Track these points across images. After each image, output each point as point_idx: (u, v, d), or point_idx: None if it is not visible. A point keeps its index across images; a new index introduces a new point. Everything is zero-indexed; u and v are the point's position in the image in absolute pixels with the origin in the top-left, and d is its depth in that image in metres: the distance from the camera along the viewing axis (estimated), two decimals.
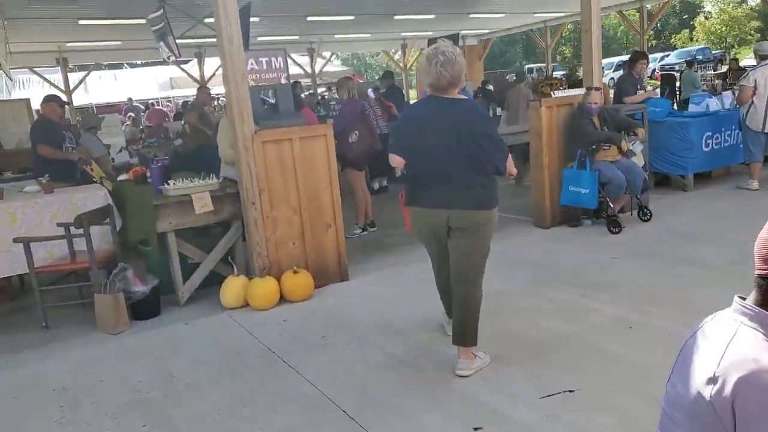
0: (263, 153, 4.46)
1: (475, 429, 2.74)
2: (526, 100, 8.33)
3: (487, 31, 20.62)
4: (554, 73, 23.29)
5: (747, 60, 26.75)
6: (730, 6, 57.77)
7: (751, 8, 59.33)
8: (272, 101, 5.24)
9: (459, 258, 3.20)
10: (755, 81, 6.73)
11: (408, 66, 22.15)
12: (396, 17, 15.09)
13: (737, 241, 4.99)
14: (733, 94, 7.92)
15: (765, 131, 6.79)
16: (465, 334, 3.21)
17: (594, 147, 5.75)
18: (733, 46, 51.53)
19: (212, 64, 16.71)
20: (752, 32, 54.69)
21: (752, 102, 6.77)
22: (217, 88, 15.61)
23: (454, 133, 3.03)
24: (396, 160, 3.25)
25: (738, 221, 5.68)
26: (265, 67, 5.12)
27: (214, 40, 4.70)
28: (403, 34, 19.61)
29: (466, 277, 3.21)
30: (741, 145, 7.29)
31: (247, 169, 4.41)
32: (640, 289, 4.26)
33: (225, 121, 4.89)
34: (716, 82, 14.33)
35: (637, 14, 17.56)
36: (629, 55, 8.31)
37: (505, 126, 9.00)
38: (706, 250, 4.90)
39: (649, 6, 17.00)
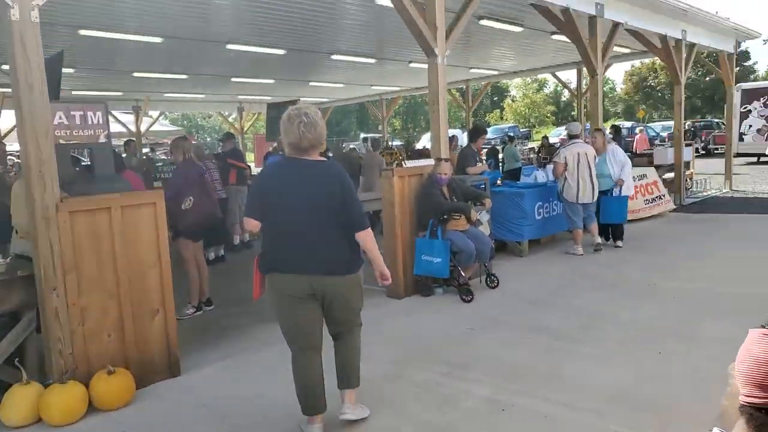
0: (71, 226, 3.58)
1: None
2: (379, 169, 8.28)
3: (326, 100, 20.98)
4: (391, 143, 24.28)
5: (553, 138, 30.46)
6: (531, 92, 66.90)
7: (547, 95, 69.20)
8: (86, 162, 4.37)
9: (337, 311, 3.13)
10: (565, 158, 7.33)
11: (245, 129, 21.56)
12: (233, 79, 14.60)
13: (578, 307, 5.16)
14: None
15: (580, 202, 7.37)
16: (352, 377, 3.24)
17: (445, 217, 5.69)
18: (534, 126, 59.28)
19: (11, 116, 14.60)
20: (549, 114, 63.68)
21: (565, 178, 7.34)
22: (16, 144, 13.55)
23: (318, 194, 2.97)
24: (251, 224, 3.08)
25: (574, 287, 5.93)
26: (78, 122, 4.26)
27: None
28: (240, 96, 19.11)
29: (349, 324, 3.23)
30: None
31: (47, 246, 3.49)
32: (504, 363, 4.08)
33: (19, 185, 3.92)
34: (532, 156, 15.93)
35: (458, 93, 19.18)
36: (466, 130, 8.73)
37: (362, 192, 8.85)
38: (554, 317, 4.95)
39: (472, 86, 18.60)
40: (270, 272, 3.06)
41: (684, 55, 11.23)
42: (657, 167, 10.72)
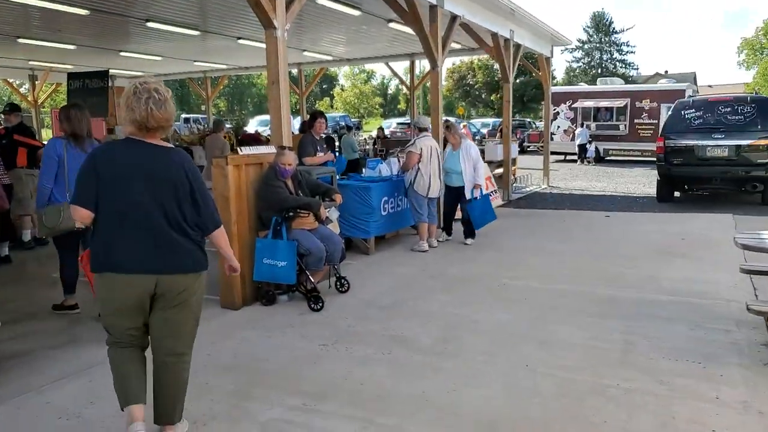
0: None
1: None
2: (221, 152, 7.24)
3: (141, 73, 18.70)
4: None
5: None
6: (359, 82, 68.12)
7: (374, 87, 71.00)
8: None
9: (168, 332, 2.80)
10: (421, 149, 7.11)
11: (40, 102, 18.43)
12: (21, 41, 12.15)
13: (434, 314, 4.85)
14: (399, 160, 8.36)
15: (429, 196, 7.19)
16: (176, 412, 2.89)
17: (291, 214, 4.99)
18: (363, 116, 60.56)
19: None
20: (377, 106, 65.46)
21: (418, 168, 7.11)
22: None
23: (166, 185, 2.69)
24: (81, 214, 2.67)
25: (427, 289, 5.63)
26: None
27: None
28: (32, 63, 16.16)
29: (178, 350, 2.85)
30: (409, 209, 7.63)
31: None
32: (365, 389, 3.55)
33: None
34: (368, 147, 15.77)
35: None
36: (300, 117, 8.06)
37: (206, 180, 7.66)
38: (411, 326, 4.56)
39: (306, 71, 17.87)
40: (104, 271, 2.69)
41: (512, 55, 11.76)
42: (488, 163, 11.07)
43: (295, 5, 5.60)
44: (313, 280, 5.07)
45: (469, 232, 7.69)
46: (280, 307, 5.15)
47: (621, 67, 56.61)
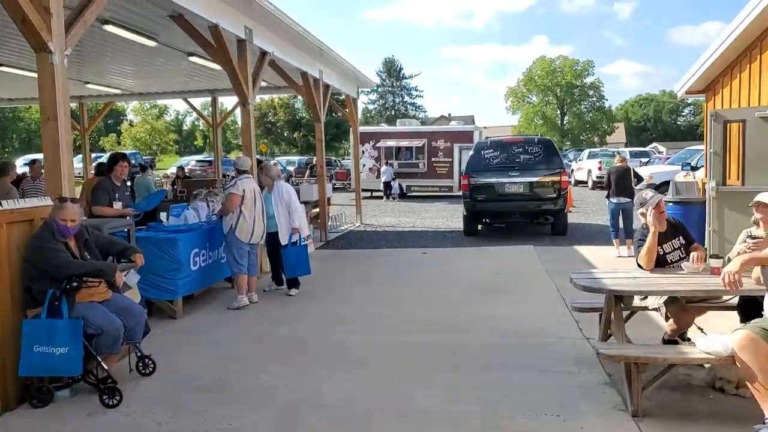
0: None
1: None
2: None
3: None
4: None
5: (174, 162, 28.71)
6: (151, 117, 63.48)
7: (169, 122, 66.84)
8: None
9: None
10: (243, 190, 6.34)
11: None
12: None
13: (266, 391, 4.09)
14: (208, 204, 7.42)
15: (252, 242, 6.44)
16: None
17: (74, 284, 3.85)
18: (157, 153, 56.28)
19: None
20: (171, 143, 61.46)
21: (241, 212, 6.33)
22: None
23: None
24: None
25: (255, 358, 4.83)
26: None
27: None
28: None
29: None
30: (224, 260, 6.75)
31: None
32: None
33: None
34: (167, 188, 14.20)
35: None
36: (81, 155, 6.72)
37: None
38: (242, 413, 3.74)
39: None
40: None
41: (321, 95, 11.55)
42: (304, 203, 10.58)
43: (77, 27, 4.52)
44: (106, 367, 3.95)
45: (293, 282, 7.05)
46: (60, 407, 3.90)
47: (412, 110, 61.29)
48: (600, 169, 24.32)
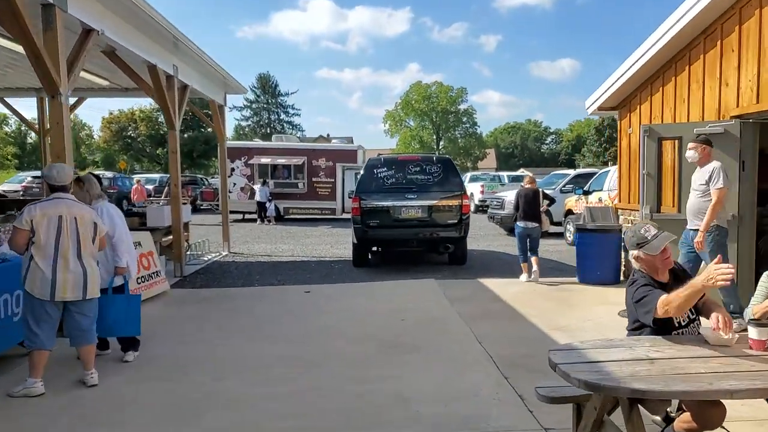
0: None
1: None
2: None
3: None
4: None
5: (12, 185, 24.47)
6: None
7: (6, 133, 58.59)
8: None
9: None
10: (31, 221, 4.16)
11: None
12: None
13: None
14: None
15: (57, 299, 4.24)
16: None
17: None
18: None
19: None
20: (10, 157, 53.73)
21: (31, 255, 4.15)
22: None
23: None
24: None
25: None
26: None
27: None
28: None
29: None
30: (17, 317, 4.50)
31: None
32: None
33: None
34: None
35: None
36: None
37: None
38: None
39: None
40: None
41: (177, 97, 9.41)
42: (152, 230, 8.34)
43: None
44: None
45: (128, 342, 4.96)
46: None
47: (288, 128, 59.15)
48: (482, 192, 24.09)
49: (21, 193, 21.71)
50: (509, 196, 15.92)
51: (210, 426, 3.59)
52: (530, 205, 8.56)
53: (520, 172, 45.64)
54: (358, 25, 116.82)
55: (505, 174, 30.68)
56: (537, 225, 8.62)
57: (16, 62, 9.44)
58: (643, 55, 7.11)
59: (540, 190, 8.85)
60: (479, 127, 71.01)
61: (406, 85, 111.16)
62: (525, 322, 6.03)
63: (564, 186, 15.34)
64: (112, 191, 22.98)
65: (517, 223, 8.70)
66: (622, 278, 8.10)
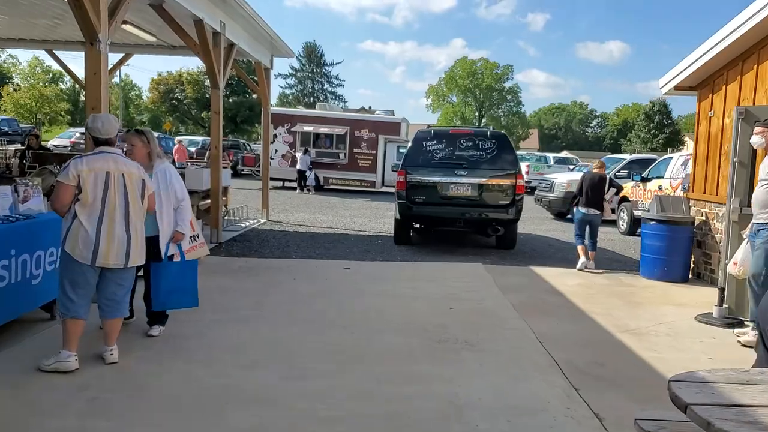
0: None
1: None
2: None
3: None
4: None
5: (61, 140, 24.70)
6: (41, 84, 56.39)
7: (62, 90, 59.86)
8: None
9: None
10: (78, 176, 3.74)
11: None
12: None
13: None
14: (17, 191, 4.72)
15: (97, 264, 3.83)
16: None
17: None
18: (44, 123, 49.89)
19: None
20: (63, 113, 54.91)
21: (75, 214, 3.76)
22: None
23: None
24: None
25: None
26: None
27: None
28: None
29: None
30: (37, 279, 4.16)
31: None
32: None
33: None
34: (13, 161, 10.97)
35: None
36: None
37: None
38: None
39: None
40: None
41: (223, 56, 8.95)
42: (190, 193, 7.97)
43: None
44: None
45: (157, 316, 4.59)
46: None
47: (332, 99, 58.60)
48: (527, 173, 23.19)
49: (69, 148, 21.85)
50: (559, 178, 15.10)
51: (236, 425, 3.16)
52: (595, 190, 7.89)
53: (564, 154, 44.14)
54: None
55: (551, 155, 29.54)
56: (599, 212, 7.99)
57: (66, 14, 9.13)
58: (738, 27, 6.26)
59: (607, 176, 8.14)
60: (524, 106, 69.06)
61: (451, 61, 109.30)
62: (588, 321, 5.43)
63: (618, 172, 14.40)
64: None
65: (578, 208, 8.07)
66: (690, 276, 7.37)
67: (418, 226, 9.56)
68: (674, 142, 52.51)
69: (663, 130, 54.61)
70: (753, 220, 4.95)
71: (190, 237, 7.27)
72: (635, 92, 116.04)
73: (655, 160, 13.56)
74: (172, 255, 4.62)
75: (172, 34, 8.77)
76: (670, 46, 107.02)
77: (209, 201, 8.83)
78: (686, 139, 55.41)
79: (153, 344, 4.37)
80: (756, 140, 5.07)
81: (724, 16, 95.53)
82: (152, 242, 4.37)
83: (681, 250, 7.17)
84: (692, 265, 7.40)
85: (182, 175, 8.64)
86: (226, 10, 8.65)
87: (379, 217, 13.42)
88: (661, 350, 4.66)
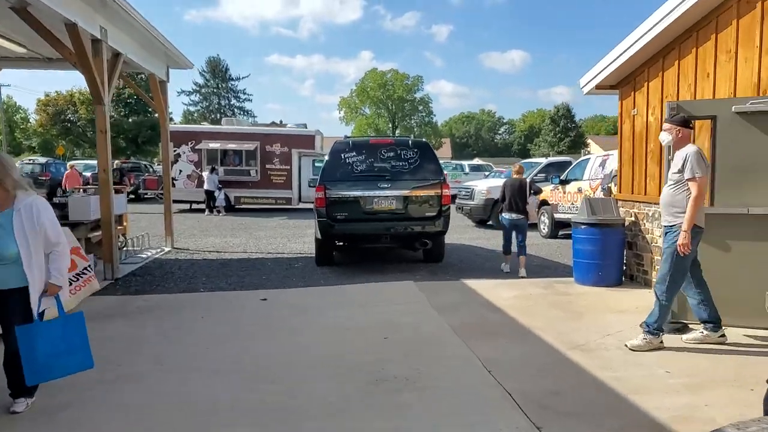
0: None
1: None
2: None
3: None
4: None
5: None
6: None
7: None
8: None
9: None
10: None
11: None
12: None
13: None
14: None
15: None
16: None
17: None
18: None
19: None
20: None
21: None
22: None
23: None
24: None
25: None
26: None
27: None
28: None
29: None
30: None
31: None
32: None
33: None
34: None
35: None
36: None
37: None
38: None
39: None
40: None
41: (106, 67, 7.89)
42: (74, 225, 6.89)
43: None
44: None
45: (21, 386, 3.62)
46: None
47: (240, 114, 56.76)
48: None
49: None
50: (479, 185, 14.97)
51: None
52: (518, 196, 7.66)
53: (476, 161, 45.14)
54: (310, 12, 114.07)
55: (466, 163, 29.89)
56: (523, 217, 7.78)
57: None
58: (656, 24, 6.13)
59: (528, 180, 7.94)
60: (435, 116, 70.41)
61: (360, 73, 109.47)
62: (533, 339, 4.98)
63: (536, 175, 14.46)
64: (44, 178, 20.94)
65: (503, 215, 7.86)
66: (624, 279, 7.19)
67: (341, 244, 8.90)
68: (579, 144, 55.18)
69: (568, 134, 57.31)
70: (662, 222, 4.78)
71: (79, 272, 6.22)
72: (537, 99, 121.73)
73: (571, 162, 13.71)
74: (44, 311, 3.67)
75: (46, 44, 7.64)
76: (568, 53, 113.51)
77: (101, 233, 7.71)
78: (589, 140, 58.54)
79: (15, 424, 3.40)
80: (664, 137, 4.80)
81: (624, 23, 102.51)
82: (12, 295, 3.43)
83: (614, 253, 6.96)
84: (624, 267, 7.23)
85: (64, 205, 7.52)
86: (107, 15, 7.63)
87: (298, 237, 12.63)
88: (616, 367, 4.27)
